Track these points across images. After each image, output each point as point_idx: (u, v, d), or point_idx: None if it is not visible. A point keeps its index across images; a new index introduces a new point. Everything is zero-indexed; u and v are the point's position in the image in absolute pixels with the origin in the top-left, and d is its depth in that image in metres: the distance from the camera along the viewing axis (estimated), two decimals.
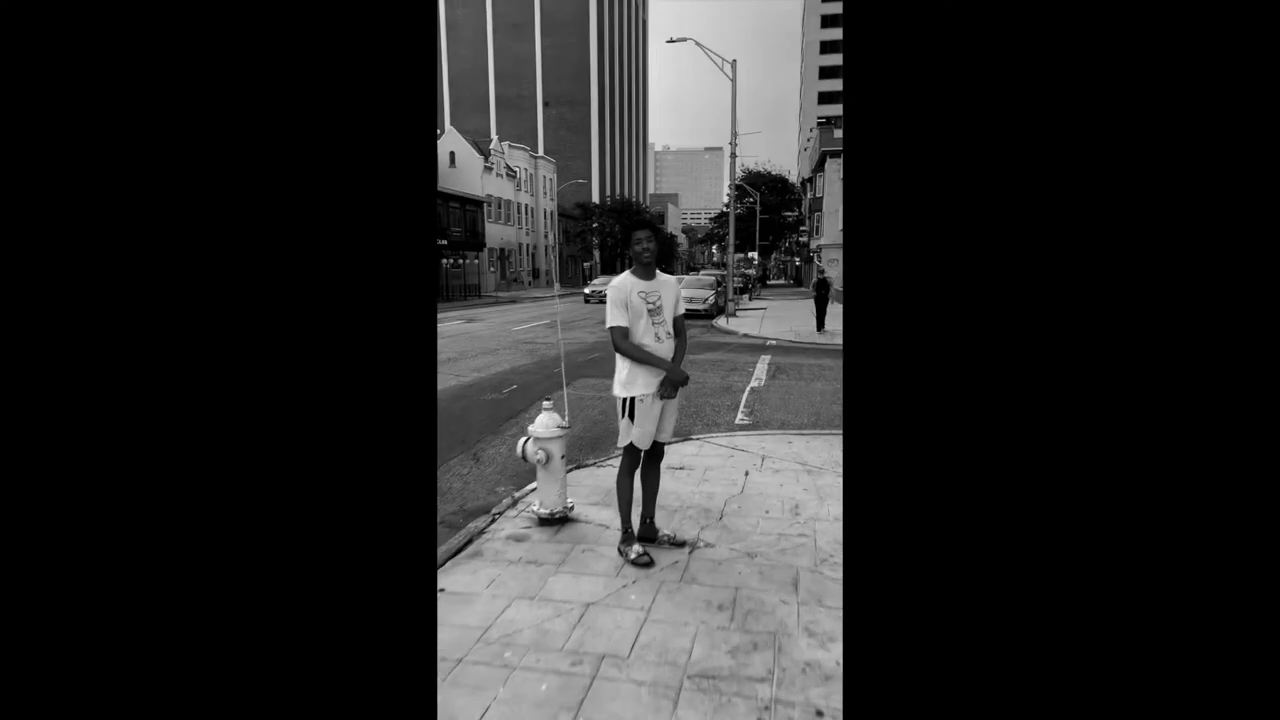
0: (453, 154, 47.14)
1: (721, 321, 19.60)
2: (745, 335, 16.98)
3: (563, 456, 4.21)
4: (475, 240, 41.19)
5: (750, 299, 32.09)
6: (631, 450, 3.69)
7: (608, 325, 3.63)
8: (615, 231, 58.00)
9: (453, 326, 17.68)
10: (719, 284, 24.77)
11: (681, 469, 5.17)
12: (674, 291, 3.84)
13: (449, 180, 44.72)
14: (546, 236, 57.39)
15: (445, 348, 13.61)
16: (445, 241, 36.14)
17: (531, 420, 4.29)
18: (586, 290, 32.28)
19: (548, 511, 4.15)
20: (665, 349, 3.66)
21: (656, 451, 3.83)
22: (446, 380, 9.46)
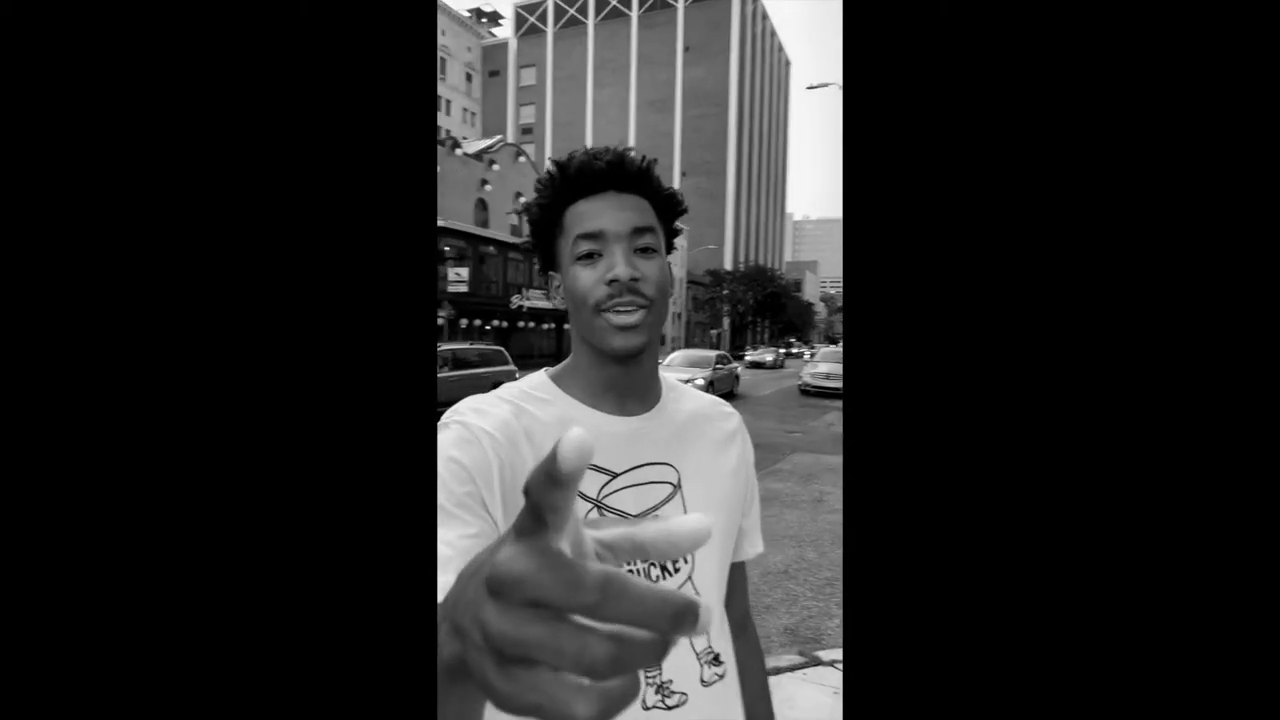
0: None
1: None
2: None
3: None
4: None
5: None
6: None
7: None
8: (747, 299, 55.53)
9: None
10: None
11: None
12: (725, 462, 0.89)
13: None
14: (674, 303, 56.17)
15: None
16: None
17: None
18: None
19: None
20: None
21: None
22: None
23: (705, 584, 0.78)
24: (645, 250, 0.77)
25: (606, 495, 0.74)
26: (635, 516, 0.69)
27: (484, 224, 35.05)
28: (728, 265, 65.87)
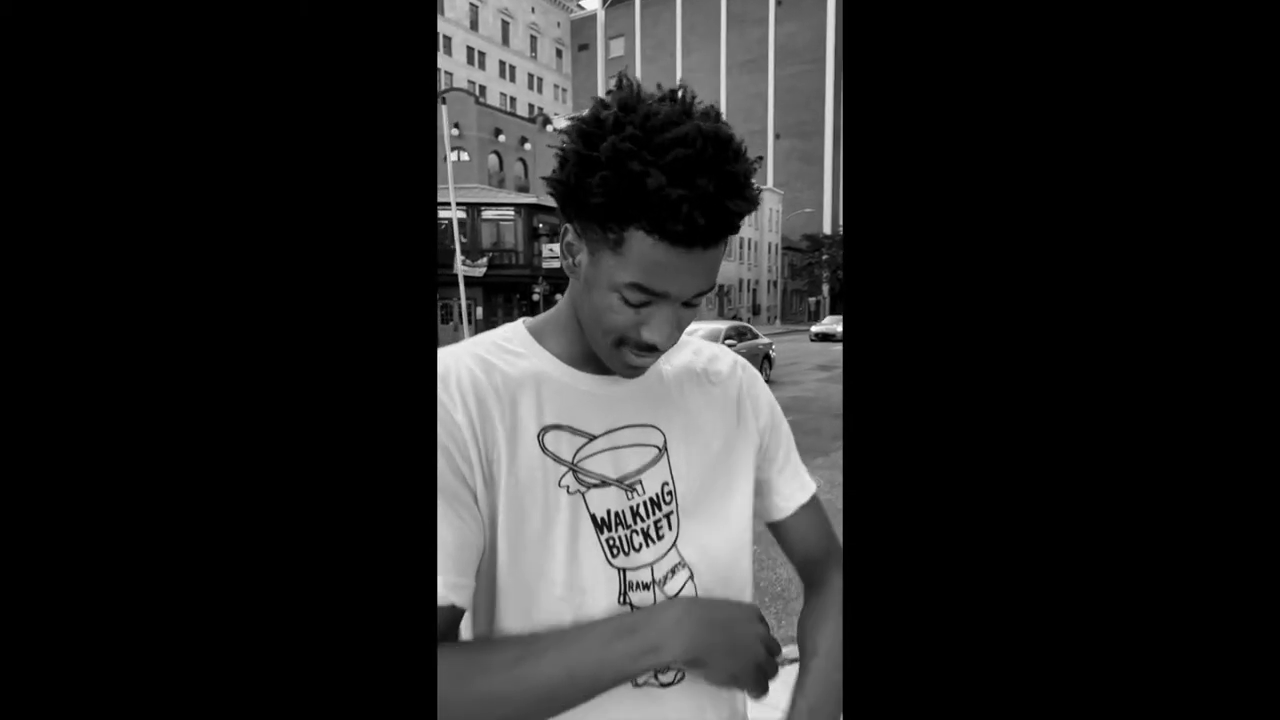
0: None
1: None
2: None
3: None
4: None
5: None
6: None
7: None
8: None
9: None
10: None
11: None
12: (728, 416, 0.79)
13: None
14: (770, 271, 54.61)
15: None
16: None
17: None
18: (814, 330, 29.14)
19: None
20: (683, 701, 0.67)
21: None
22: None
23: (693, 554, 0.71)
24: (689, 304, 0.64)
25: (583, 459, 0.68)
26: (615, 481, 0.69)
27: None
28: (826, 230, 63.21)
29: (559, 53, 67.49)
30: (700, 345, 0.82)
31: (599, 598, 0.65)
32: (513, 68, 60.97)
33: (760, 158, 0.61)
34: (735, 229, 0.60)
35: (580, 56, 77.50)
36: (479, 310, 25.68)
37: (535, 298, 25.56)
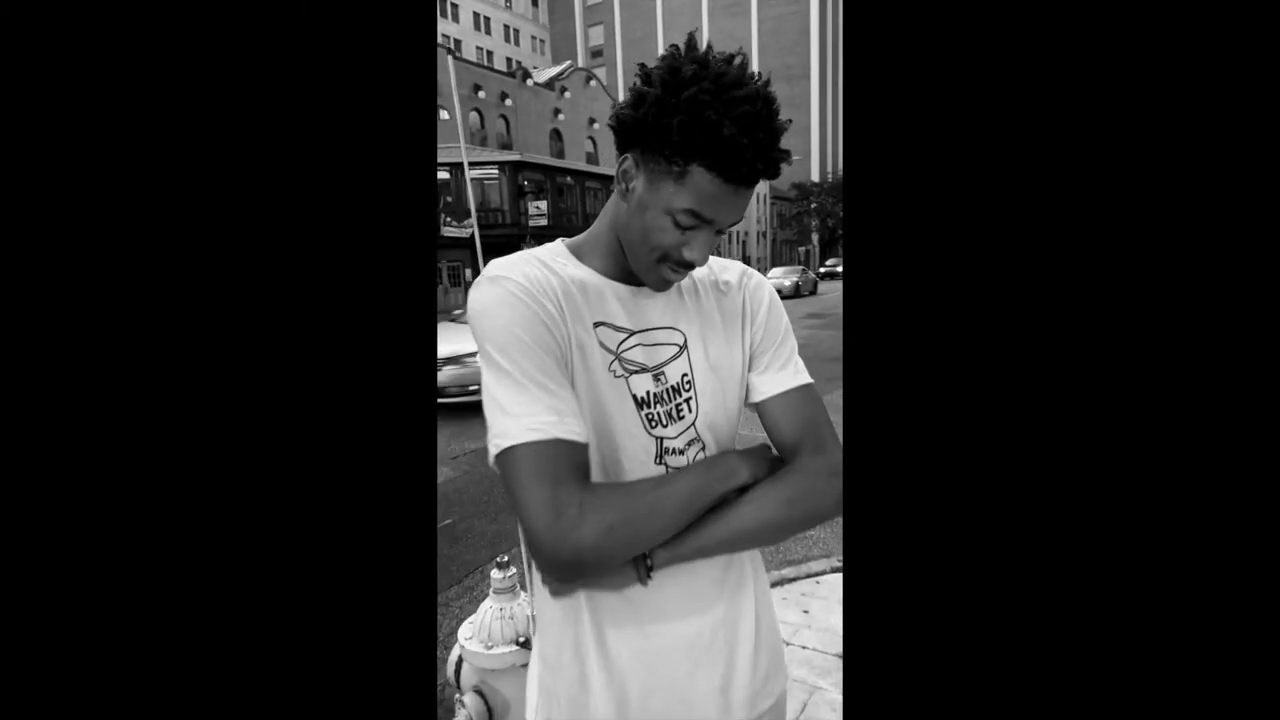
0: None
1: None
2: None
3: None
4: None
5: None
6: None
7: (491, 441, 0.76)
8: (836, 212, 52.74)
9: None
10: None
11: None
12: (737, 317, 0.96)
13: None
14: (759, 222, 54.13)
15: None
16: None
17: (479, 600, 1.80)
18: (821, 270, 29.24)
19: None
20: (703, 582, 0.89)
21: None
22: None
23: (705, 431, 0.89)
24: (723, 230, 0.81)
25: (624, 350, 0.85)
26: (651, 369, 0.86)
27: (560, 154, 34.71)
28: (814, 177, 62.45)
29: (535, 2, 65.16)
30: (713, 260, 0.96)
31: (645, 461, 0.84)
32: (488, 20, 58.90)
33: (789, 120, 0.75)
34: (778, 173, 0.75)
35: (557, 5, 74.84)
36: (467, 273, 25.49)
37: None
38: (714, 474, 0.82)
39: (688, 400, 0.88)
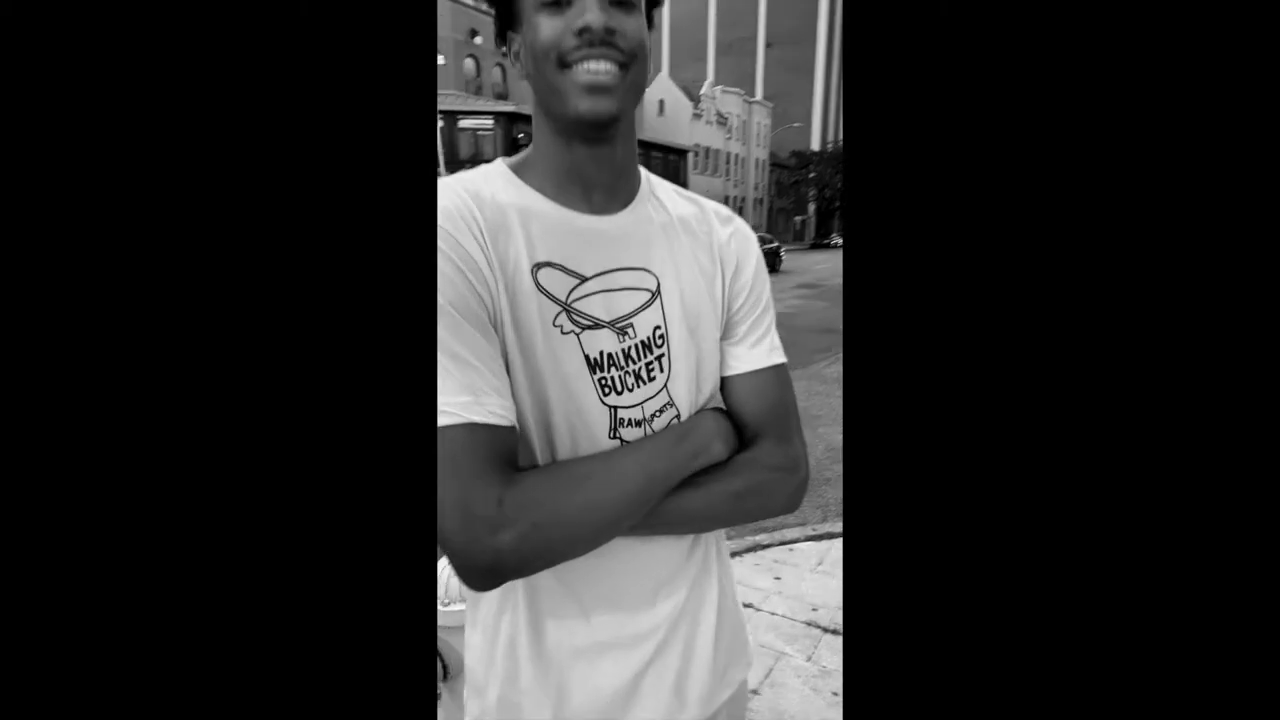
0: (661, 102, 45.43)
1: None
2: None
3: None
4: None
5: None
6: None
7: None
8: (835, 182, 52.29)
9: None
10: None
11: None
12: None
13: (655, 130, 43.13)
14: (756, 189, 53.63)
15: None
16: None
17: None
18: (836, 240, 29.10)
19: None
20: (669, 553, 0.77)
21: None
22: None
23: (681, 394, 0.75)
24: (622, 3, 0.64)
25: (575, 300, 0.68)
26: (609, 324, 0.70)
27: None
28: (815, 146, 61.72)
29: None
30: (706, 204, 0.83)
31: (599, 437, 0.70)
32: None
33: None
34: None
35: None
36: None
37: None
38: (680, 451, 0.69)
39: (659, 358, 0.73)
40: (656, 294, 0.73)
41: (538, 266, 0.67)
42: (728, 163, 50.36)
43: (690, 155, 41.86)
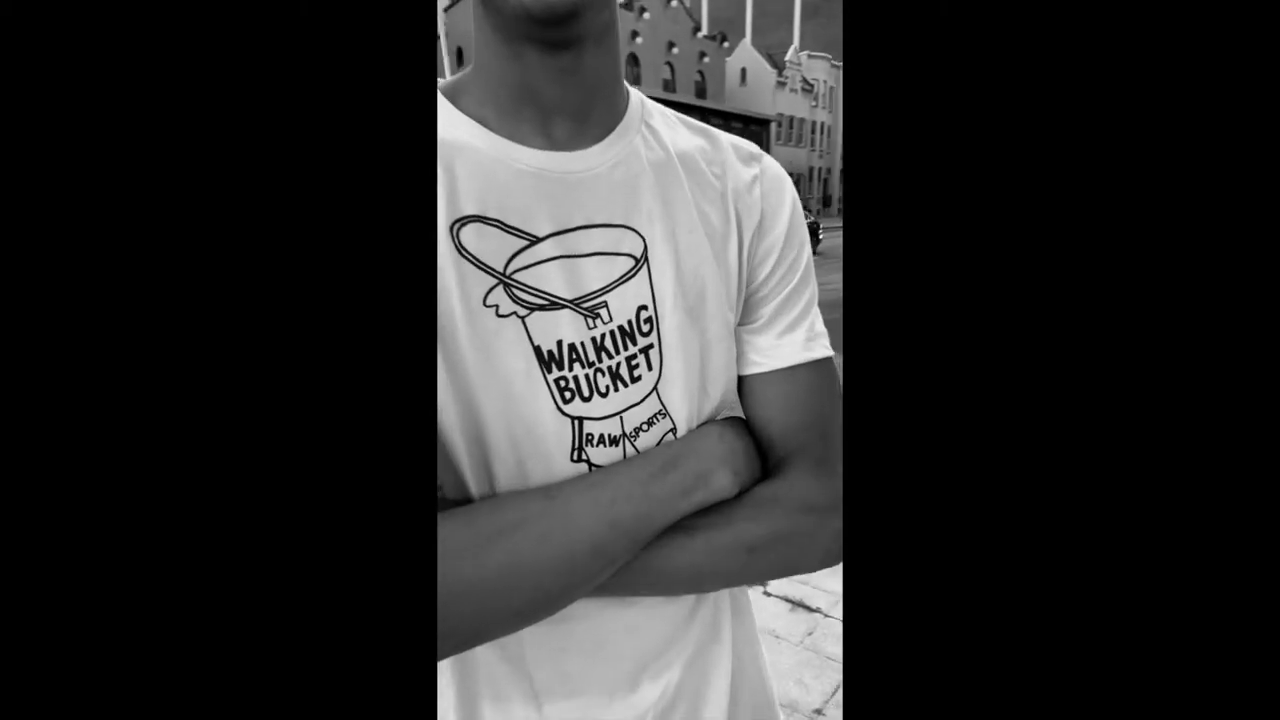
0: (744, 70, 43.88)
1: None
2: None
3: None
4: None
5: None
6: None
7: None
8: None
9: None
10: None
11: None
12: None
13: (736, 99, 41.75)
14: (842, 159, 50.97)
15: None
16: None
17: None
18: None
19: None
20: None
21: None
22: None
23: (678, 401, 0.53)
24: None
25: (519, 269, 0.47)
26: (570, 303, 0.49)
27: (635, 80, 33.32)
28: None
29: None
30: (721, 136, 0.58)
31: (547, 454, 0.49)
32: None
33: None
34: None
35: None
36: None
37: None
38: (664, 485, 0.48)
39: (646, 351, 0.51)
40: (642, 261, 0.51)
41: (460, 222, 0.46)
42: (814, 132, 48.07)
43: (773, 125, 40.21)
